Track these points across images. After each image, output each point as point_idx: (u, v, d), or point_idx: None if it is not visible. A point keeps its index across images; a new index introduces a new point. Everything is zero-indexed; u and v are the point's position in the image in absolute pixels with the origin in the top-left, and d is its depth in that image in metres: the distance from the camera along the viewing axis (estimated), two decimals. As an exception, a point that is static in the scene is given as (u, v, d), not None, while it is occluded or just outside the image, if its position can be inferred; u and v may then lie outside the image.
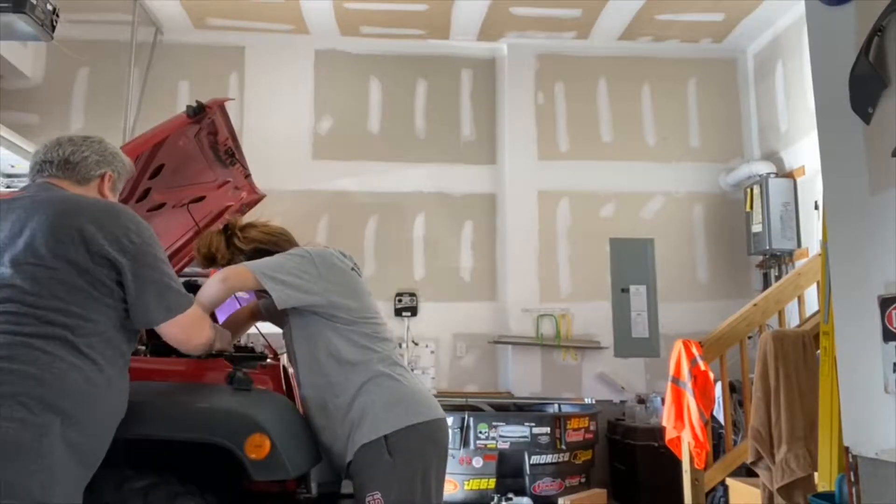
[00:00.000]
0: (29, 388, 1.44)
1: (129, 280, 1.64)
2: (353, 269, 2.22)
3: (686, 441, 4.13)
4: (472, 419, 4.87)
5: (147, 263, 1.68)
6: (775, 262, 6.08)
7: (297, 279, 2.06)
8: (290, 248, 2.28)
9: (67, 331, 1.54)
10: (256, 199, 3.35)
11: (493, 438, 4.86)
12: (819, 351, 2.91)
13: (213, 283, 2.09)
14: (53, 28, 3.37)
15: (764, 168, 6.11)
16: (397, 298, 6.14)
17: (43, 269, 1.57)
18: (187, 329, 1.77)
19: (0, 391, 1.42)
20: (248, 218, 3.61)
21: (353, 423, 2.03)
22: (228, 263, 2.23)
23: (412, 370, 3.04)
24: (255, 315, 2.46)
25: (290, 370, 2.50)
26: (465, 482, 4.78)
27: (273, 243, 2.28)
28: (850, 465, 2.02)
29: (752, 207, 6.13)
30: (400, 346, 6.05)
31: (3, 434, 1.38)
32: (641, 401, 5.82)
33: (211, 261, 2.26)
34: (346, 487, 2.37)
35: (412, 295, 6.19)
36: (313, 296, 2.07)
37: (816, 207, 5.54)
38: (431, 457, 2.08)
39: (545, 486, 4.89)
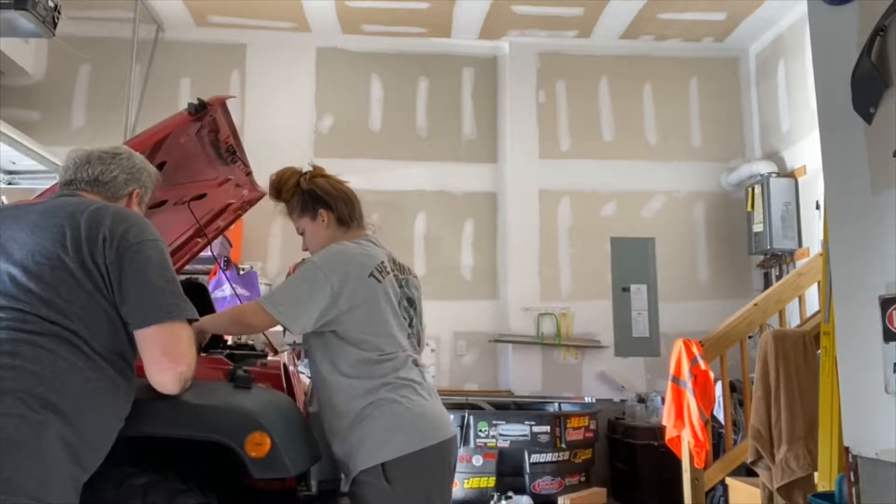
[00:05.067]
0: (29, 386, 1.44)
1: (119, 278, 1.61)
2: (372, 274, 2.08)
3: (686, 440, 4.13)
4: (472, 417, 4.87)
5: (147, 264, 1.65)
6: (776, 261, 6.08)
7: (311, 305, 1.99)
8: (343, 209, 2.24)
9: (72, 332, 1.54)
10: (258, 196, 3.35)
11: (493, 437, 4.86)
12: (819, 351, 2.91)
13: (226, 318, 2.14)
14: (55, 25, 3.36)
15: (765, 167, 6.10)
16: (398, 296, 6.12)
17: (50, 270, 1.57)
18: (172, 340, 1.62)
19: (1, 387, 1.42)
20: (250, 214, 3.65)
21: (353, 446, 1.98)
22: (288, 200, 2.27)
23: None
24: None
25: (291, 368, 2.50)
26: (465, 480, 4.78)
27: (329, 196, 2.24)
28: (850, 465, 2.02)
29: (753, 207, 6.12)
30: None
31: (1, 430, 1.38)
32: (641, 400, 5.83)
33: (277, 192, 2.28)
34: (347, 486, 2.37)
35: (413, 293, 6.18)
36: (326, 315, 2.01)
37: (818, 207, 5.54)
38: (432, 482, 2.01)
39: (545, 484, 4.89)
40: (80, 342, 1.55)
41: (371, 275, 2.09)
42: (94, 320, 1.59)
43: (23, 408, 1.41)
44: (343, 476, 2.10)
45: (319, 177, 2.29)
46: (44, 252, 1.59)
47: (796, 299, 4.58)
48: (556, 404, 5.73)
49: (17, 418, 1.40)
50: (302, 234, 2.31)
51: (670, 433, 4.26)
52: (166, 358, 1.63)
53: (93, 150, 1.88)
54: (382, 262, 2.15)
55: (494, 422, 4.90)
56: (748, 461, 3.67)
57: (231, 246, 5.34)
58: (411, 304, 2.26)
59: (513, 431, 4.89)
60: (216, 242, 3.50)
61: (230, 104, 2.58)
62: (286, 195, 2.27)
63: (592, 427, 5.26)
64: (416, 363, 2.15)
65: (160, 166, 2.42)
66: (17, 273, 1.57)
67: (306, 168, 2.32)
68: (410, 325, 2.21)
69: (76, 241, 1.60)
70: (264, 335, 2.87)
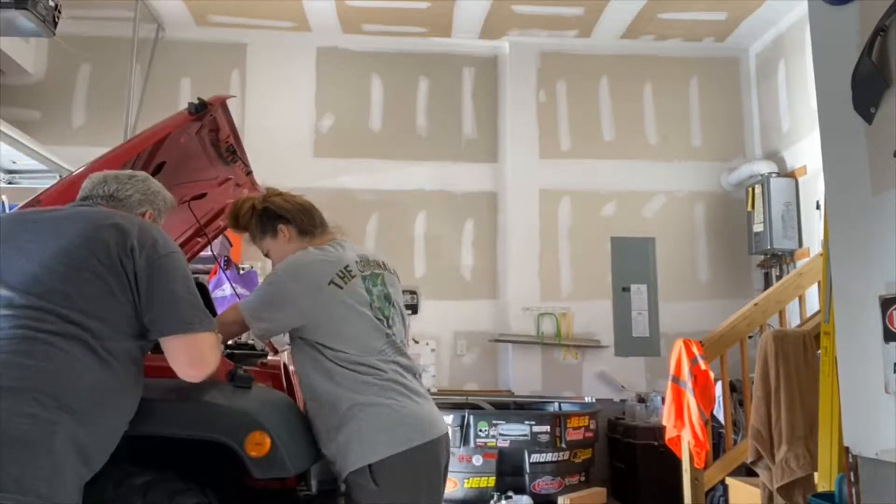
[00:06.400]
0: (45, 386, 1.45)
1: (148, 287, 1.65)
2: (332, 282, 2.05)
3: (686, 440, 4.13)
4: (472, 417, 4.87)
5: (172, 275, 1.70)
6: (776, 261, 6.08)
7: (270, 310, 2.05)
8: (301, 220, 2.25)
9: (88, 332, 1.56)
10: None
11: (493, 437, 4.86)
12: (820, 351, 2.91)
13: (221, 324, 2.13)
14: (55, 24, 3.37)
15: (765, 167, 6.11)
16: (398, 296, 6.12)
17: (72, 271, 1.60)
18: (198, 351, 1.71)
19: (16, 386, 1.43)
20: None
21: (340, 448, 1.99)
22: (245, 227, 2.28)
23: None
24: None
25: (291, 368, 2.50)
26: (465, 480, 4.78)
27: (285, 210, 2.25)
28: (850, 465, 2.02)
29: (753, 207, 6.12)
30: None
31: (14, 429, 1.38)
32: (641, 400, 5.83)
33: (236, 221, 2.30)
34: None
35: (413, 293, 6.18)
36: (290, 321, 2.06)
37: (818, 207, 5.53)
38: (420, 483, 2.02)
39: (545, 484, 4.89)
40: (96, 343, 1.57)
41: (331, 282, 2.06)
42: (113, 321, 1.62)
43: (37, 408, 1.42)
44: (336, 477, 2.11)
45: (273, 196, 2.31)
46: (70, 253, 1.62)
47: (796, 299, 4.58)
48: (556, 404, 5.73)
49: (30, 418, 1.41)
50: (267, 254, 2.31)
51: (670, 433, 4.26)
52: (192, 369, 1.73)
53: (109, 172, 1.94)
54: (347, 267, 2.11)
55: (494, 421, 4.90)
56: (748, 461, 3.67)
57: (231, 245, 5.33)
58: (388, 301, 2.19)
59: (513, 431, 4.89)
60: (216, 242, 3.50)
61: (230, 104, 2.58)
62: (244, 221, 2.28)
63: (592, 427, 5.26)
64: (399, 364, 2.11)
65: (160, 166, 2.43)
66: (42, 272, 1.59)
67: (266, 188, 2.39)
68: (389, 326, 2.15)
69: (104, 246, 1.64)
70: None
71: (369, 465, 1.95)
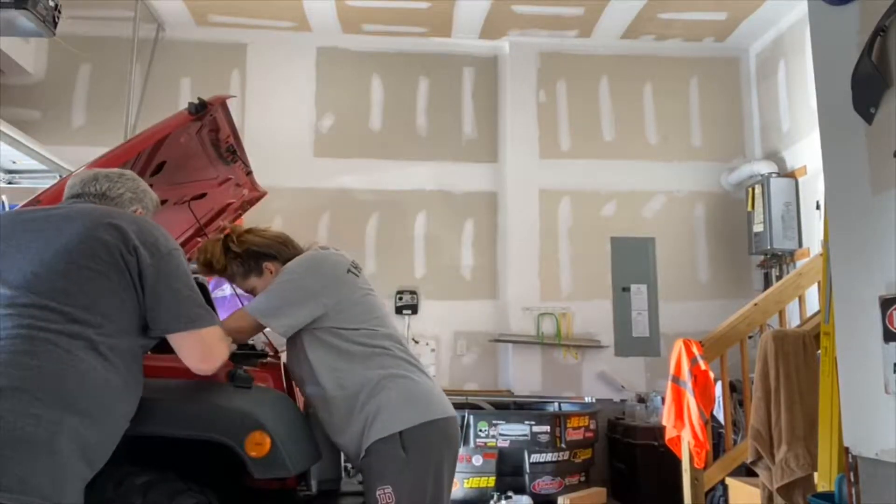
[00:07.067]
0: (48, 386, 1.46)
1: (152, 285, 1.67)
2: (349, 270, 2.21)
3: (686, 440, 4.13)
4: (472, 417, 4.87)
5: (175, 274, 1.73)
6: (776, 261, 6.08)
7: (292, 307, 2.09)
8: (285, 252, 2.30)
9: (91, 330, 1.57)
10: (258, 196, 3.35)
11: (493, 437, 4.86)
12: (819, 351, 2.91)
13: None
14: (55, 24, 3.37)
15: (765, 167, 6.11)
16: (398, 296, 6.14)
17: (74, 269, 1.60)
18: (207, 346, 1.77)
19: (19, 386, 1.43)
20: (250, 214, 3.65)
21: (368, 418, 2.04)
22: (223, 269, 2.28)
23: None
24: None
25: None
26: (465, 480, 4.78)
27: (266, 246, 2.29)
28: (850, 465, 2.02)
29: (753, 207, 6.12)
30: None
31: (18, 429, 1.39)
32: (641, 400, 5.83)
33: (209, 266, 2.29)
34: (347, 485, 2.38)
35: (413, 293, 6.19)
36: (311, 315, 2.11)
37: (818, 207, 5.53)
38: (444, 454, 2.10)
39: (545, 484, 4.89)
40: (99, 341, 1.57)
41: (349, 271, 2.21)
42: (116, 319, 1.63)
43: (41, 408, 1.43)
44: (352, 458, 2.15)
45: (245, 233, 2.31)
46: (71, 252, 1.62)
47: (796, 299, 4.58)
48: (556, 404, 5.73)
49: (34, 418, 1.41)
50: (251, 291, 2.32)
51: (670, 433, 4.26)
52: (203, 363, 1.79)
53: (99, 170, 1.95)
54: (354, 261, 2.28)
55: (494, 421, 4.90)
56: (748, 461, 3.67)
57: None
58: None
59: (513, 431, 4.89)
60: (216, 242, 3.49)
61: (230, 104, 2.58)
62: (219, 265, 2.28)
63: (592, 427, 5.26)
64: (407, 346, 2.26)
65: (160, 166, 2.44)
66: (43, 271, 1.59)
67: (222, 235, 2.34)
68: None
69: (105, 244, 1.65)
70: (264, 335, 2.87)
71: (400, 433, 2.01)
